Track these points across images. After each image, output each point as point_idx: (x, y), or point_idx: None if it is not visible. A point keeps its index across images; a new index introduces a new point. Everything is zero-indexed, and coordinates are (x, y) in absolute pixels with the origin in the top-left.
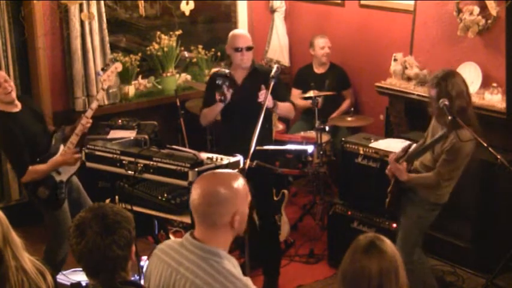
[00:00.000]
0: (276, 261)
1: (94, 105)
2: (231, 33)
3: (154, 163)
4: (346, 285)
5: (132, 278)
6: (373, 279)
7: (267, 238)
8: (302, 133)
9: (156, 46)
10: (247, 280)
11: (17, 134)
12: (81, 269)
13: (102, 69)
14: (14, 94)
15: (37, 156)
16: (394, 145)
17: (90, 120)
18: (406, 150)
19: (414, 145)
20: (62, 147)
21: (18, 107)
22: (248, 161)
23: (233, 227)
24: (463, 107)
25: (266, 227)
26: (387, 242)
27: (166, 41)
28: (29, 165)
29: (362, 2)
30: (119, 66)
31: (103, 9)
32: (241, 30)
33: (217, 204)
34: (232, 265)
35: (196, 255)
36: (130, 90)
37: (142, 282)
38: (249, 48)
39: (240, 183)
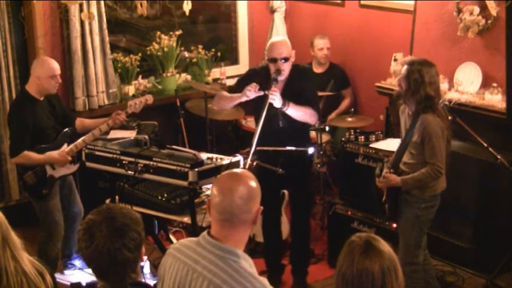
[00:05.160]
0: (305, 261)
1: (103, 127)
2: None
3: (155, 163)
4: (335, 282)
5: None
6: (376, 280)
7: (272, 237)
8: None
9: (156, 46)
10: (264, 280)
11: (28, 117)
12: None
13: (134, 96)
14: (56, 89)
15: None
16: (394, 145)
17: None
18: (381, 168)
19: (389, 158)
20: (65, 145)
21: (42, 97)
22: (249, 161)
23: (254, 223)
24: (431, 95)
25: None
26: (382, 241)
27: (166, 41)
28: (25, 149)
29: (362, 2)
30: (149, 99)
31: (103, 9)
32: (279, 38)
33: (250, 201)
34: (248, 265)
35: (214, 255)
36: (130, 90)
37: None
38: (285, 60)
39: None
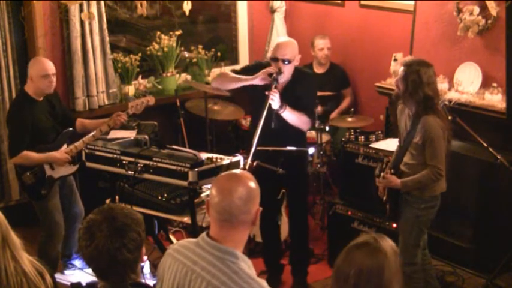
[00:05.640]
0: (305, 262)
1: (103, 127)
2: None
3: (155, 163)
4: (332, 279)
5: None
6: (351, 278)
7: (273, 238)
8: None
9: (156, 46)
10: (263, 282)
11: (27, 118)
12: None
13: (135, 96)
14: (52, 89)
15: (39, 148)
16: (394, 145)
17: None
18: (380, 168)
19: (389, 158)
20: (65, 146)
21: (41, 97)
22: (249, 161)
23: (254, 224)
24: (430, 95)
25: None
26: (382, 244)
27: (166, 41)
28: (24, 149)
29: (362, 2)
30: (151, 100)
31: (103, 9)
32: (286, 38)
33: (249, 202)
34: (247, 266)
35: (212, 256)
36: (131, 90)
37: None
38: (287, 62)
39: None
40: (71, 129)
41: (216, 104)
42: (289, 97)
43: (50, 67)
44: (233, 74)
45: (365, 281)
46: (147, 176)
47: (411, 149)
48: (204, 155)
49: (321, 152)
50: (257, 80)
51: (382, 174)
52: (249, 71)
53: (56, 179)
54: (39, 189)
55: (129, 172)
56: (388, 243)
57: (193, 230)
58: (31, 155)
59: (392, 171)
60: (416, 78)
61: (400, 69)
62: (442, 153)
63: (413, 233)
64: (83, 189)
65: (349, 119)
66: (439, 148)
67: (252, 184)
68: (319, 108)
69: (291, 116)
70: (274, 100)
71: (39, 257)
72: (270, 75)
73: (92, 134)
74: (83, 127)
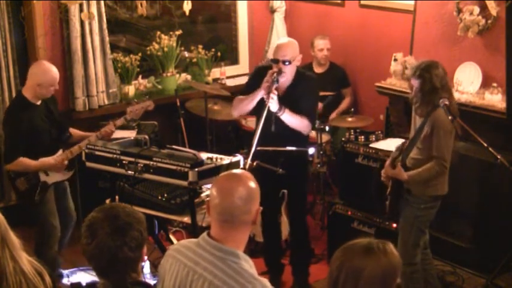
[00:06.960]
0: (305, 262)
1: (108, 128)
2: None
3: (155, 163)
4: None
5: None
6: (333, 271)
7: (274, 239)
8: None
9: (156, 46)
10: (265, 281)
11: (23, 124)
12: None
13: (135, 101)
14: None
15: (34, 151)
16: (394, 145)
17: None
18: (400, 149)
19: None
20: (60, 151)
21: (39, 101)
22: (249, 161)
23: (254, 223)
24: (444, 97)
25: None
26: (376, 249)
27: (166, 41)
28: (20, 156)
29: (362, 2)
30: (151, 105)
31: (103, 9)
32: (286, 39)
33: (249, 201)
34: (249, 265)
35: (214, 256)
36: (130, 90)
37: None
38: (288, 62)
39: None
40: (67, 134)
41: (216, 104)
42: (289, 100)
43: (58, 75)
44: (242, 96)
45: (343, 279)
46: (147, 176)
47: (418, 143)
48: (204, 155)
49: (321, 152)
50: (263, 92)
51: (396, 161)
52: (253, 82)
53: (50, 184)
54: (33, 195)
55: (129, 172)
56: (385, 251)
57: (193, 230)
58: (27, 162)
59: (400, 163)
60: (431, 87)
61: (415, 81)
62: (448, 146)
63: (412, 232)
64: (82, 189)
65: (349, 119)
66: (445, 140)
67: (252, 184)
68: (319, 106)
69: (290, 119)
70: (273, 103)
71: (37, 257)
72: (274, 80)
73: (88, 139)
74: (73, 137)
